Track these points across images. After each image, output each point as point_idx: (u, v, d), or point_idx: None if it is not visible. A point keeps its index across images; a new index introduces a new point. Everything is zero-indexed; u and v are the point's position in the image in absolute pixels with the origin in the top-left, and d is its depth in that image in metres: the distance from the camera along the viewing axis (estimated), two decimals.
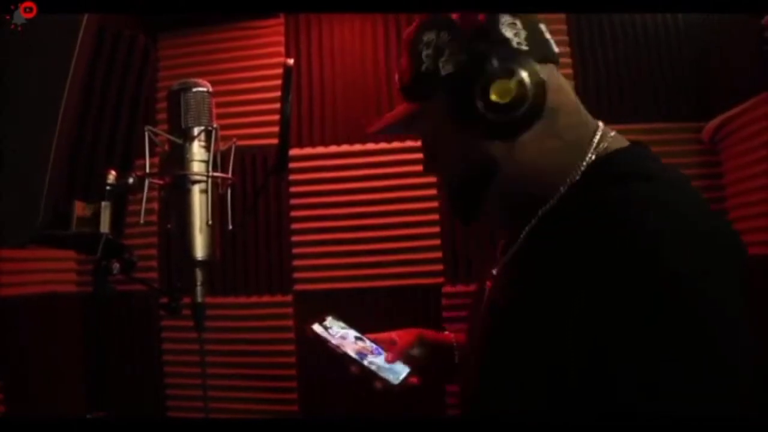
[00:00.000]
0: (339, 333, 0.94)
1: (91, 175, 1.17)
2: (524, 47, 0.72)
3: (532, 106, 0.69)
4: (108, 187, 0.88)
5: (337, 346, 0.91)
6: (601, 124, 0.77)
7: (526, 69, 0.69)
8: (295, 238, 1.93)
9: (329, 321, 0.95)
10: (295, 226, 1.94)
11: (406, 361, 0.94)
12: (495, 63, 0.69)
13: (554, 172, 0.73)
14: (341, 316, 0.98)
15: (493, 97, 0.68)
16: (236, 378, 1.91)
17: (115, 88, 1.38)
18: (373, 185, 1.90)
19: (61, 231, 0.86)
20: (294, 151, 1.93)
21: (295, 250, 1.93)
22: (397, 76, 0.83)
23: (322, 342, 0.92)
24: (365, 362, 0.90)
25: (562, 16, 1.85)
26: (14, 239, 0.87)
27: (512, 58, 0.70)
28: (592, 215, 0.64)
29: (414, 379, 0.93)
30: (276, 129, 0.91)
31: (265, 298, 1.93)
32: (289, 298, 1.92)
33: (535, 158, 0.73)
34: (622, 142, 0.76)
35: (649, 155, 0.74)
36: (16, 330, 1.65)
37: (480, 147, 0.73)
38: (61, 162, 0.83)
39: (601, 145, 0.74)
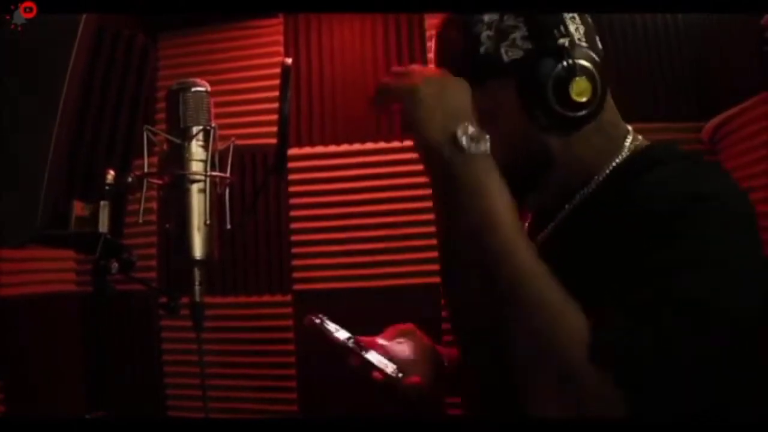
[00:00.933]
0: (334, 328, 0.95)
1: (90, 174, 1.18)
2: (584, 43, 0.72)
3: (599, 103, 0.70)
4: (107, 187, 0.88)
5: (337, 338, 0.92)
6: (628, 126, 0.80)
7: (596, 67, 0.70)
8: (294, 238, 1.93)
9: (325, 319, 0.96)
10: (294, 225, 1.94)
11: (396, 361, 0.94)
12: (569, 59, 0.68)
13: (593, 164, 0.75)
14: (335, 318, 0.98)
15: (573, 95, 0.68)
16: (236, 378, 1.91)
17: (114, 88, 1.38)
18: (372, 185, 1.90)
19: (60, 231, 0.86)
20: (293, 151, 1.94)
21: (295, 250, 1.93)
22: (436, 53, 0.78)
23: (321, 333, 0.93)
24: (363, 353, 0.91)
25: None
26: (14, 239, 0.87)
27: (581, 54, 0.69)
28: (643, 186, 0.67)
29: (416, 378, 0.94)
30: (275, 128, 0.91)
31: (265, 298, 1.93)
32: (288, 297, 1.92)
33: (583, 151, 0.75)
34: (647, 141, 0.79)
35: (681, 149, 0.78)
36: (16, 330, 1.65)
37: (538, 137, 0.73)
38: (60, 161, 0.83)
39: (634, 143, 0.77)
